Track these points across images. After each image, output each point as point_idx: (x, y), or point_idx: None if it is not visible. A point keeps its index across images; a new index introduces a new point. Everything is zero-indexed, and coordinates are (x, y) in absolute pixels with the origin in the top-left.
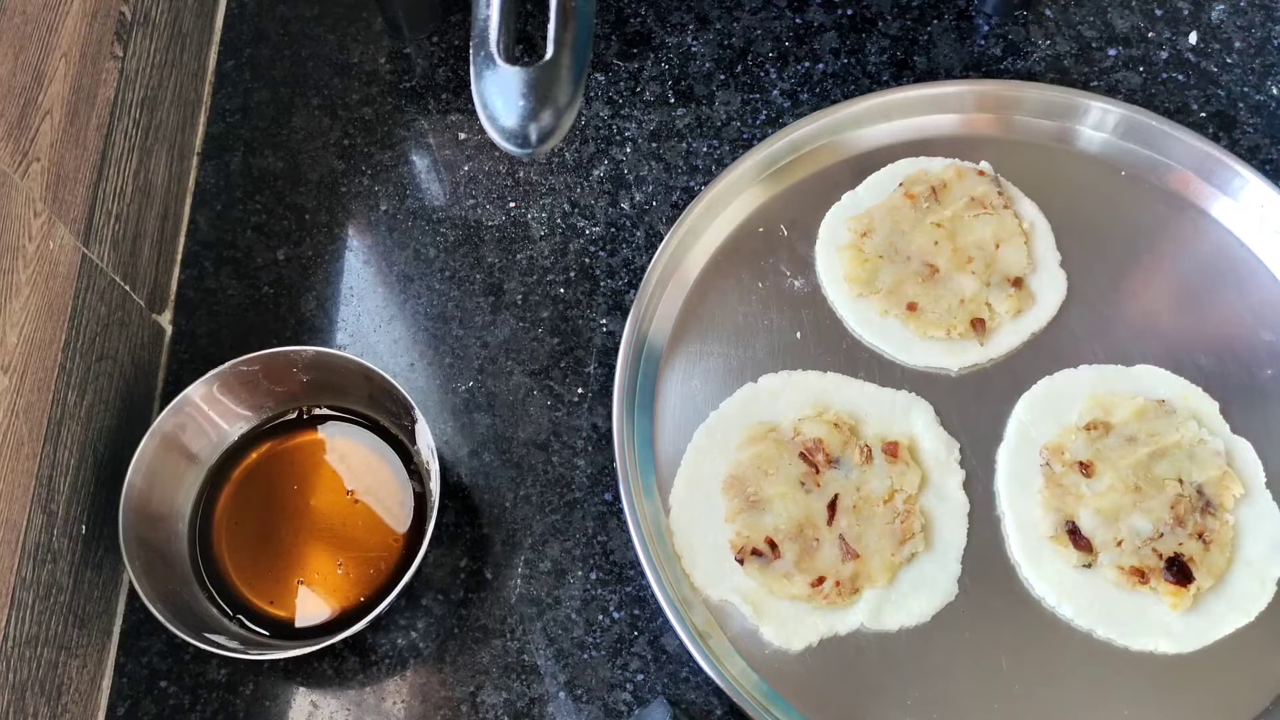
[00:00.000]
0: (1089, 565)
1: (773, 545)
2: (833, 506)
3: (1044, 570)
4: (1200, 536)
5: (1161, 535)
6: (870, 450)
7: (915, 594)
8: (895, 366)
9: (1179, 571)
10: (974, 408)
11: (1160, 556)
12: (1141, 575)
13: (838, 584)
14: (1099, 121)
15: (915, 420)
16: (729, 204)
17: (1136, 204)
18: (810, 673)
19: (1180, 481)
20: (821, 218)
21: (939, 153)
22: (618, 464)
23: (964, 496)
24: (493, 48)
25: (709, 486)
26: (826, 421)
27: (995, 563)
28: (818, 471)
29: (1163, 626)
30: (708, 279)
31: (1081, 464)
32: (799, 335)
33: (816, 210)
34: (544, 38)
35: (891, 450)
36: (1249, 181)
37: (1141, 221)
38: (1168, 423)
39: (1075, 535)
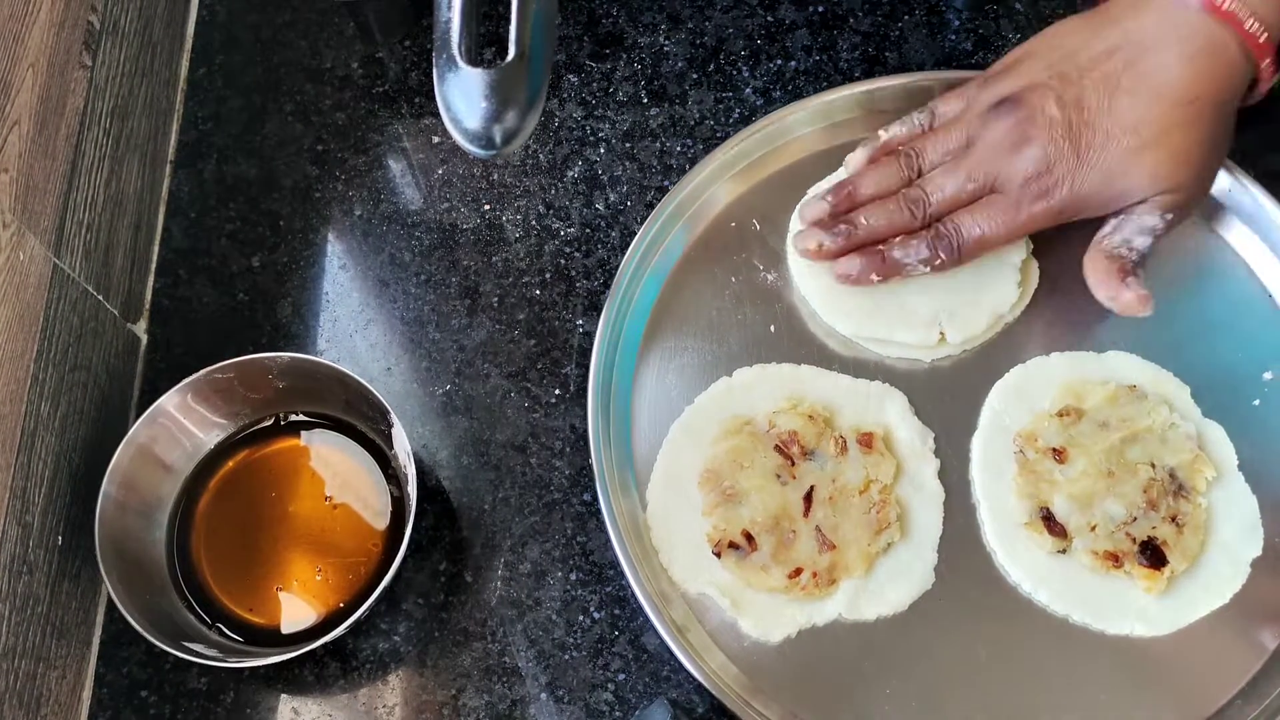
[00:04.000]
0: (1063, 551)
1: (749, 538)
2: (809, 498)
3: (1019, 557)
4: (1173, 520)
5: (1135, 519)
6: (845, 441)
7: (892, 583)
8: (869, 357)
9: (1153, 555)
10: (947, 397)
11: (1134, 540)
12: (1115, 559)
13: (815, 575)
14: None
15: (889, 411)
16: (701, 200)
17: None
18: (789, 664)
19: (1152, 466)
20: (792, 211)
21: None
22: (594, 461)
23: (939, 485)
24: (455, 50)
25: (685, 481)
26: (801, 414)
27: (971, 550)
28: (793, 464)
29: (1138, 610)
30: (681, 275)
31: (1054, 450)
32: (773, 329)
33: (787, 204)
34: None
35: (866, 441)
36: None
37: None
38: (1139, 408)
39: (1049, 521)
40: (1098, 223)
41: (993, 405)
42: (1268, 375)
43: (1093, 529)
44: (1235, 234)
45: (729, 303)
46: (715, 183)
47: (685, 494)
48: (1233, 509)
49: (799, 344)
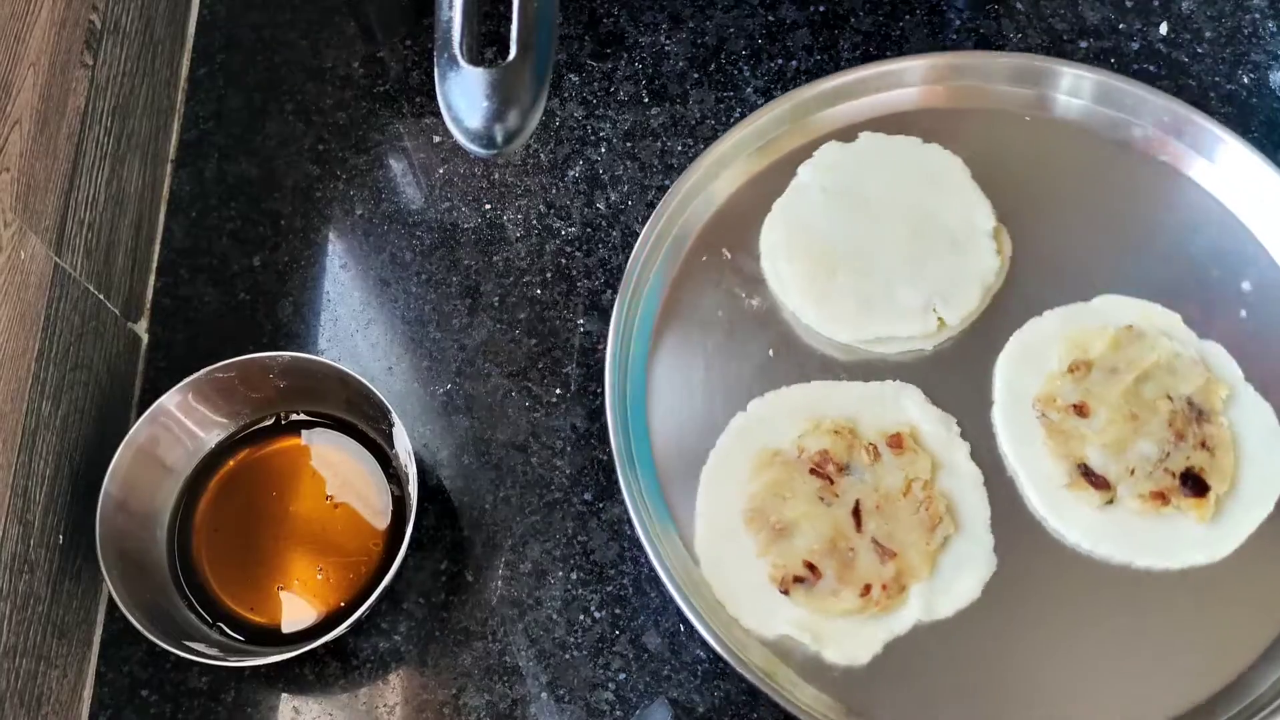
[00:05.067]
0: (1110, 501)
1: (811, 567)
2: (857, 513)
3: (1069, 517)
4: (1203, 445)
5: (1168, 454)
6: (875, 447)
7: (959, 576)
8: (872, 359)
9: (1195, 484)
10: (958, 379)
11: (1173, 475)
12: (1162, 497)
13: (884, 587)
14: (1073, 87)
15: (907, 406)
16: (671, 238)
17: (1073, 157)
18: (884, 680)
19: (1170, 398)
20: (756, 231)
21: (897, 129)
22: (637, 528)
23: (974, 468)
24: (456, 49)
25: (731, 527)
26: (826, 431)
27: (1023, 523)
28: (832, 482)
29: (1194, 540)
30: (669, 321)
31: (1075, 406)
32: (771, 353)
33: (749, 224)
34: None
35: (895, 442)
36: (1147, 101)
37: (1075, 168)
38: (1141, 345)
39: (1089, 476)
40: (1058, 186)
41: (1003, 376)
42: (1246, 285)
43: (1131, 473)
44: (1178, 159)
45: (721, 338)
46: (681, 215)
47: (735, 540)
48: (1253, 420)
49: (802, 362)
